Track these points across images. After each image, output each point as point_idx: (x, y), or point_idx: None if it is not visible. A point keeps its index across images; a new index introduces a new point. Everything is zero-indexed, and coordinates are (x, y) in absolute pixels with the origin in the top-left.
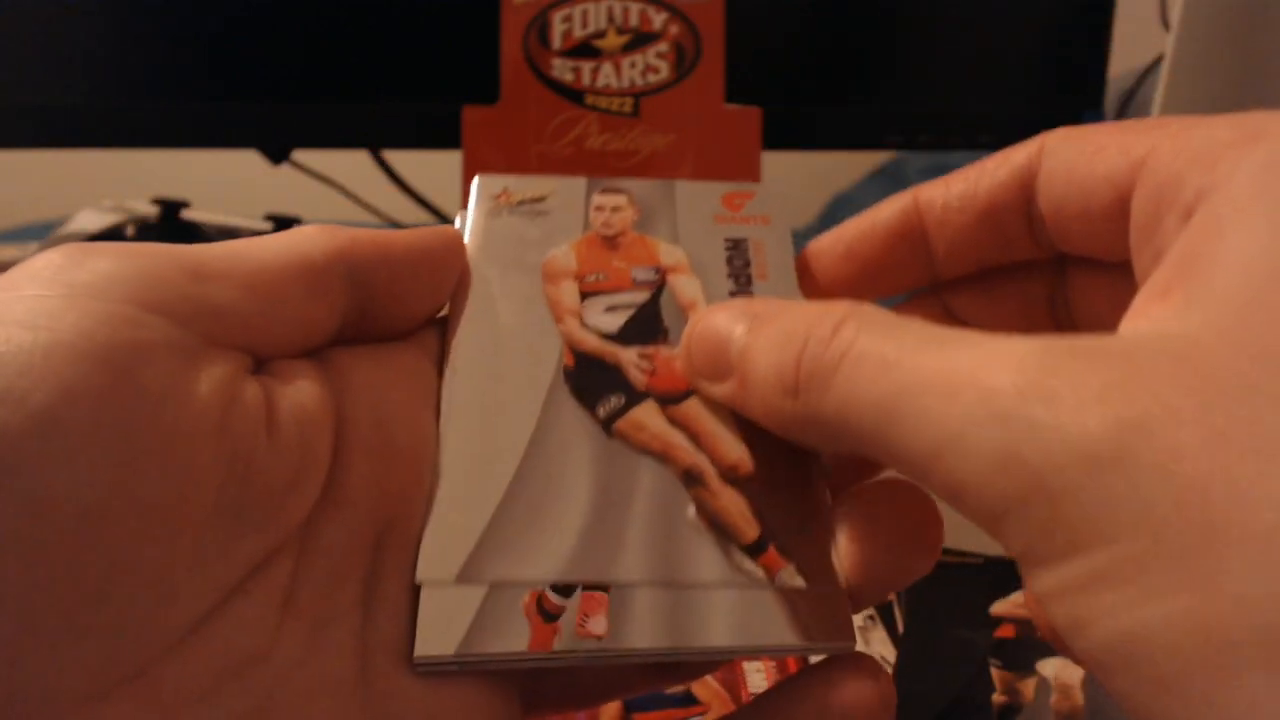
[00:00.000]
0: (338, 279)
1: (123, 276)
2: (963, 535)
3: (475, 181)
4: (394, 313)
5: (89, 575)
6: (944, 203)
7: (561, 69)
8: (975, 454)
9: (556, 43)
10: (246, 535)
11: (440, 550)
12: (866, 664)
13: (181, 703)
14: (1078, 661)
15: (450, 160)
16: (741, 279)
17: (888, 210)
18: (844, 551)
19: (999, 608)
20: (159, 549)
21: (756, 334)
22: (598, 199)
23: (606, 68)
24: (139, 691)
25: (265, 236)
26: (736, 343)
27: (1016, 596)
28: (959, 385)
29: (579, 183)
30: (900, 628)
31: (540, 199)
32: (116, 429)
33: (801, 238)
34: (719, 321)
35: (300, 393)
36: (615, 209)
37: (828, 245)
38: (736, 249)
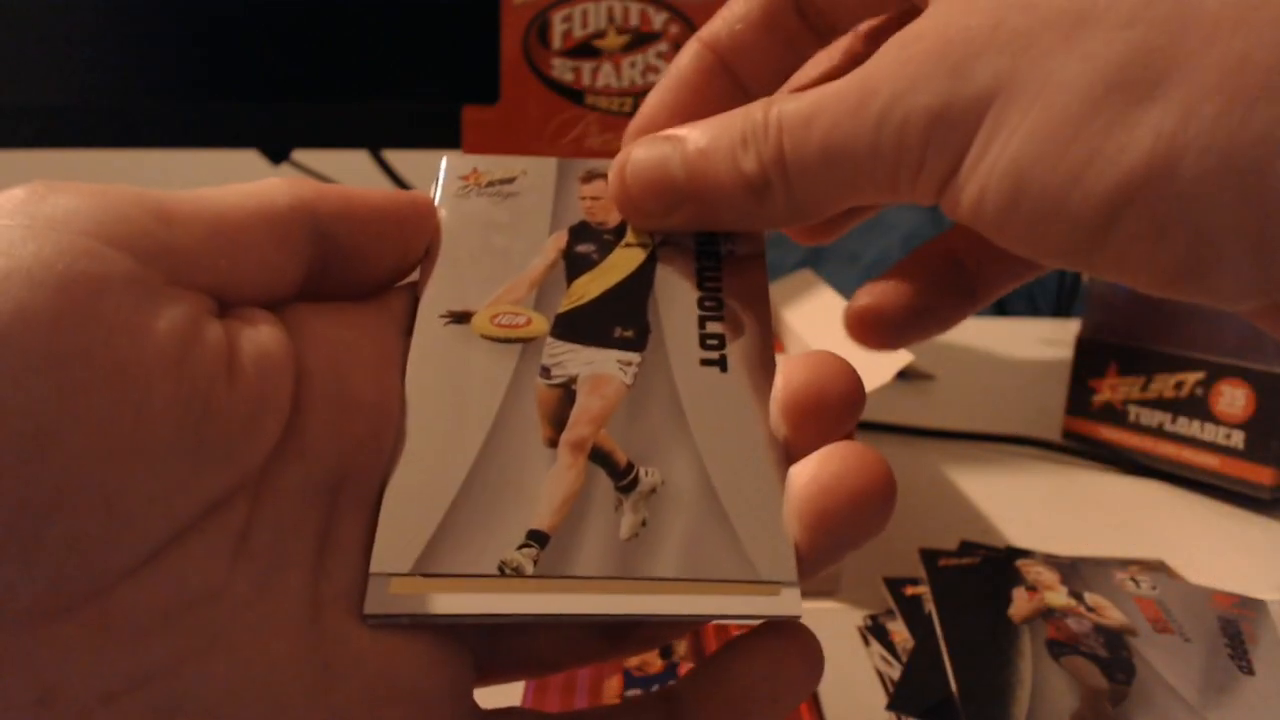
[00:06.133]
0: (301, 228)
1: (86, 211)
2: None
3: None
4: (358, 269)
5: (39, 493)
6: (729, 31)
7: (561, 69)
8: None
9: (556, 43)
10: (204, 473)
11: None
12: (797, 630)
13: (132, 630)
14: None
15: None
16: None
17: (685, 62)
18: (797, 513)
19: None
20: (112, 475)
21: (696, 142)
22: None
23: (606, 68)
24: (90, 616)
25: (231, 185)
26: (675, 162)
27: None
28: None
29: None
30: (896, 637)
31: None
32: (70, 355)
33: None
34: (646, 154)
35: (262, 337)
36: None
37: (649, 122)
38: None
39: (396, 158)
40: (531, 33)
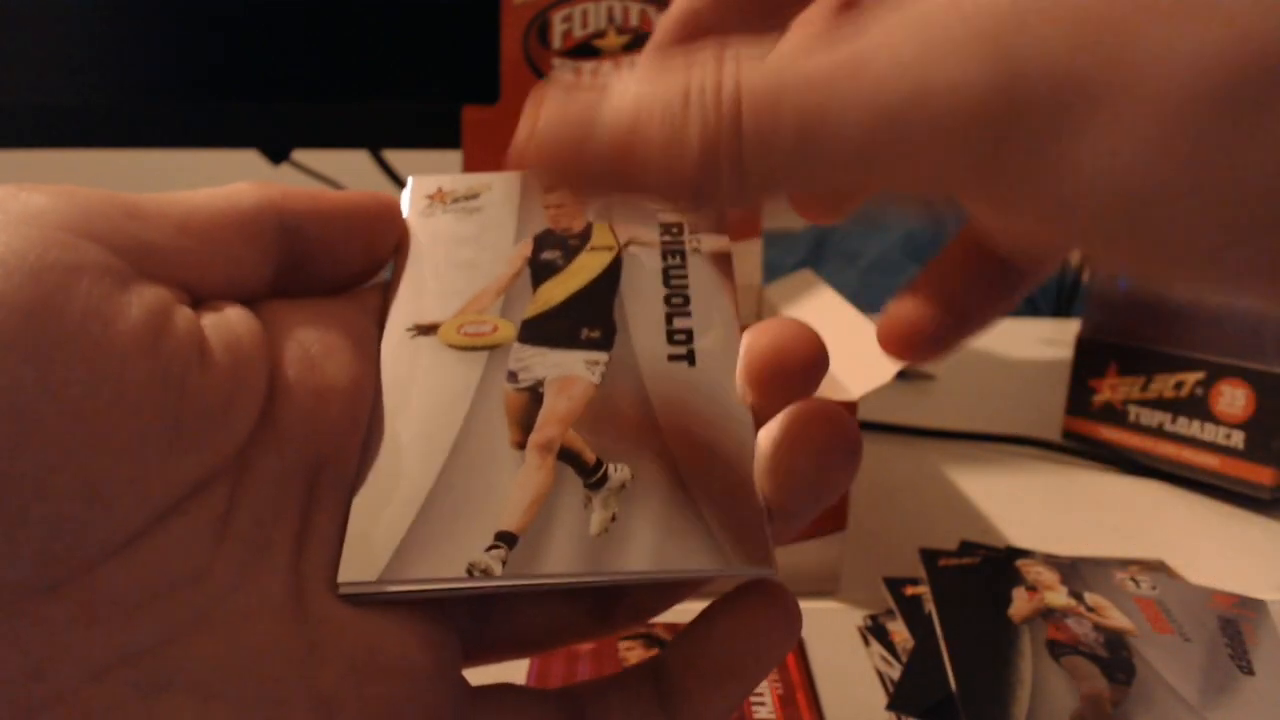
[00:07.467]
0: (268, 226)
1: (57, 208)
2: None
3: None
4: (329, 266)
5: (21, 472)
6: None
7: (561, 69)
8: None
9: (556, 43)
10: (182, 455)
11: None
12: (773, 588)
13: (118, 609)
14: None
15: (450, 160)
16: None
17: (670, 28)
18: (767, 472)
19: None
20: (92, 456)
21: (624, 96)
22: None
23: (606, 68)
24: (76, 595)
25: (199, 189)
26: (600, 125)
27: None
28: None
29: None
30: (898, 638)
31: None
32: (45, 339)
33: (801, 239)
34: (561, 114)
35: (234, 324)
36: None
37: None
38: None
39: (396, 158)
40: (531, 33)
